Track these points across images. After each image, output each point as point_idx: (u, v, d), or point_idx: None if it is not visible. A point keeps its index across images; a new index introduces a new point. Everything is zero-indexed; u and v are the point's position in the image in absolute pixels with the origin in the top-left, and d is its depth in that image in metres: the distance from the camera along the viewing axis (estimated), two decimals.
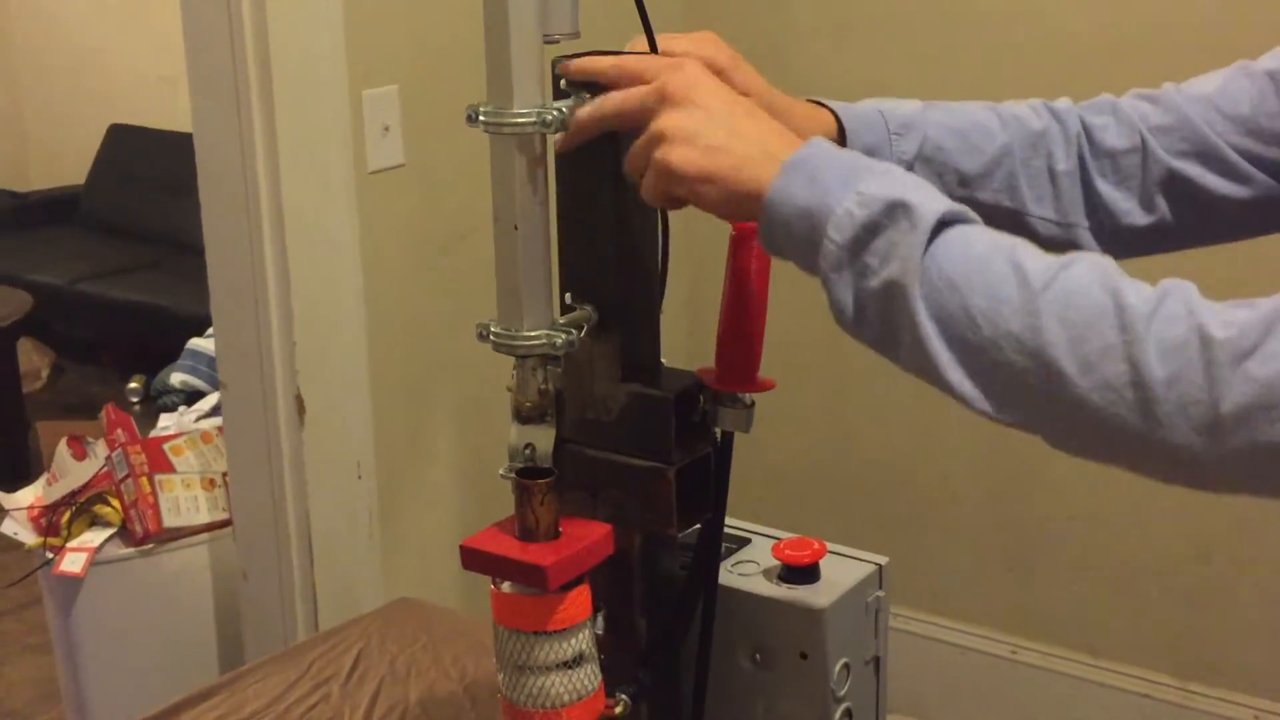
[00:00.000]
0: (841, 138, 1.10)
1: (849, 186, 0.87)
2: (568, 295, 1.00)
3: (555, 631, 0.95)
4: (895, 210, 0.85)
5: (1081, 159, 1.16)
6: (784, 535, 1.11)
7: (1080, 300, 0.83)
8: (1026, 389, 0.85)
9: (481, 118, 0.92)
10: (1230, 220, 1.16)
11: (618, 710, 1.01)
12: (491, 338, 0.94)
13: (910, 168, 1.11)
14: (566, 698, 0.97)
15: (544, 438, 0.99)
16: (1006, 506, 2.81)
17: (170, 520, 2.41)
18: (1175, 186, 1.15)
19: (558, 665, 0.96)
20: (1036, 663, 2.83)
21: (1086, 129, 1.17)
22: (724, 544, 1.08)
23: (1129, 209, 1.16)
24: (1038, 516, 2.78)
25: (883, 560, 1.09)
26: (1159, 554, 2.42)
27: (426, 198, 2.34)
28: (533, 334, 0.93)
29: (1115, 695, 2.73)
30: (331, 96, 2.16)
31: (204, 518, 2.45)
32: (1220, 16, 2.23)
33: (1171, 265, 1.05)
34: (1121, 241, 1.17)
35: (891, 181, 0.87)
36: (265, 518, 2.25)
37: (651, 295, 1.03)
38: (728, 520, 1.08)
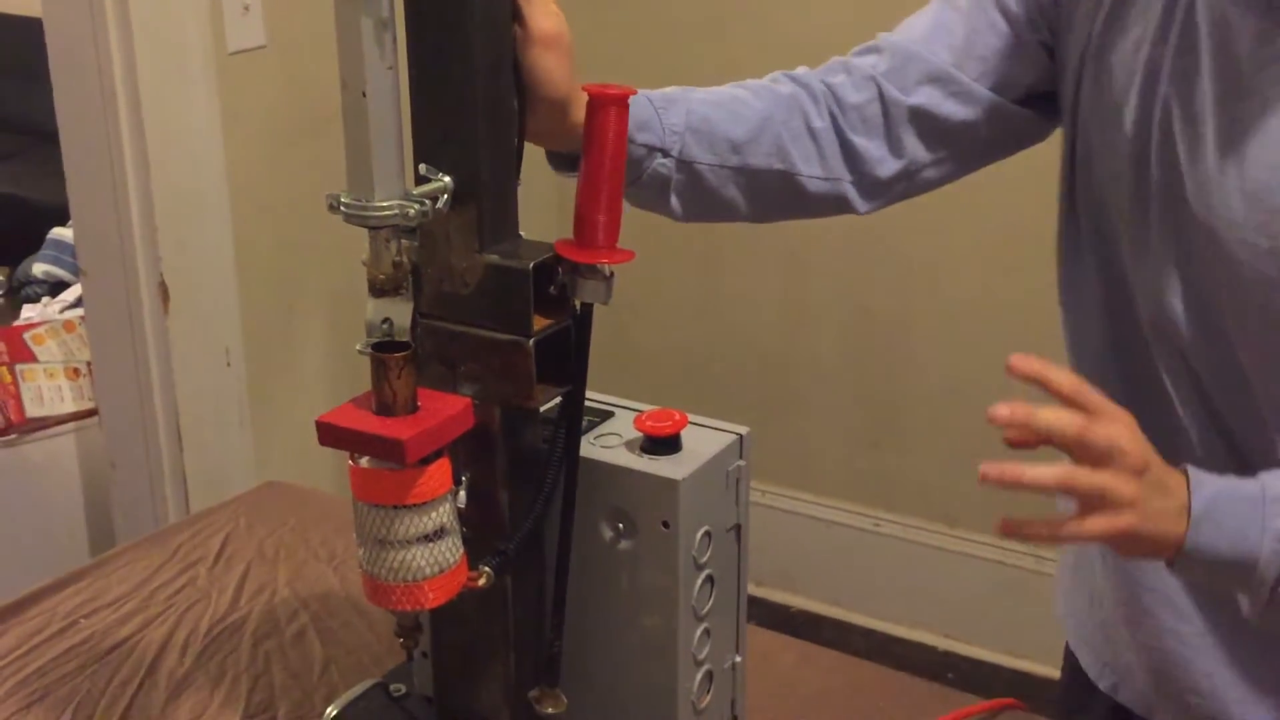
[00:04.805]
0: None
1: (1263, 530, 0.97)
2: (422, 166, 0.98)
3: (415, 505, 0.95)
4: None
5: (833, 115, 1.23)
6: (647, 408, 1.11)
7: None
8: None
9: None
10: (971, 143, 1.24)
11: (480, 582, 1.01)
12: (342, 209, 0.93)
13: (682, 139, 1.17)
14: (428, 570, 0.97)
15: (401, 312, 0.98)
16: (870, 385, 2.87)
17: (33, 410, 2.37)
18: (918, 121, 1.22)
19: (418, 539, 0.96)
20: (898, 534, 2.91)
21: (829, 88, 1.23)
22: (586, 417, 1.08)
23: (881, 157, 1.23)
24: (900, 394, 2.83)
25: (743, 430, 1.10)
26: None
27: (290, 79, 2.30)
28: (384, 204, 0.92)
29: (971, 562, 2.82)
30: None
31: (69, 407, 2.41)
32: None
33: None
34: (880, 191, 1.26)
35: None
36: (131, 406, 2.22)
37: (509, 165, 1.02)
38: (591, 394, 1.08)
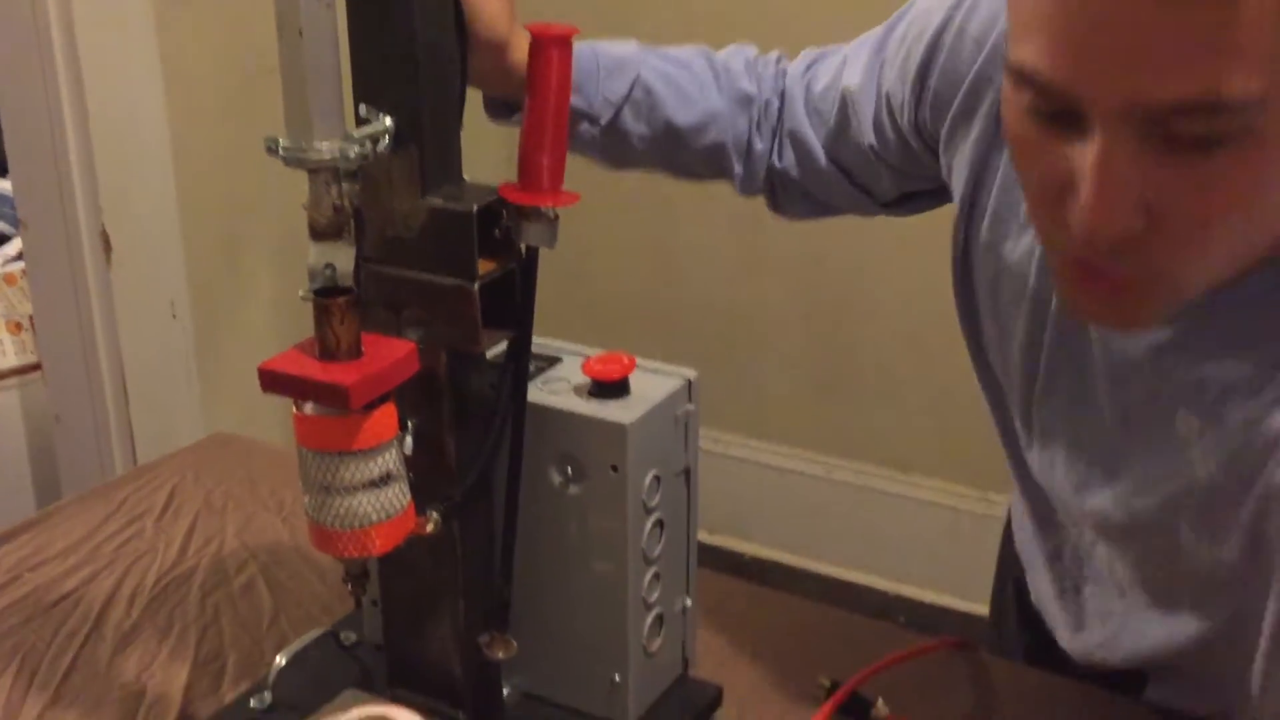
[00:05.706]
0: None
1: None
2: (362, 107, 0.96)
3: (360, 451, 0.94)
4: None
5: (768, 137, 1.23)
6: (595, 353, 1.11)
7: None
8: None
9: None
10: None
11: (428, 528, 1.01)
12: (281, 152, 0.91)
13: (619, 110, 1.14)
14: (375, 516, 0.96)
15: (344, 257, 0.97)
16: (823, 331, 2.87)
17: None
18: (803, 200, 1.29)
19: (364, 485, 0.95)
20: (850, 480, 2.93)
21: (774, 112, 1.23)
22: (534, 363, 1.07)
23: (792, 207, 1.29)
24: (853, 341, 2.84)
25: (691, 374, 1.10)
26: (964, 375, 2.50)
27: (233, 24, 2.26)
28: (323, 146, 0.90)
29: (923, 508, 2.84)
30: None
31: (11, 362, 2.38)
32: None
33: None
34: (790, 211, 1.31)
35: None
36: (75, 360, 2.20)
37: (451, 106, 1.00)
38: (540, 339, 1.07)
